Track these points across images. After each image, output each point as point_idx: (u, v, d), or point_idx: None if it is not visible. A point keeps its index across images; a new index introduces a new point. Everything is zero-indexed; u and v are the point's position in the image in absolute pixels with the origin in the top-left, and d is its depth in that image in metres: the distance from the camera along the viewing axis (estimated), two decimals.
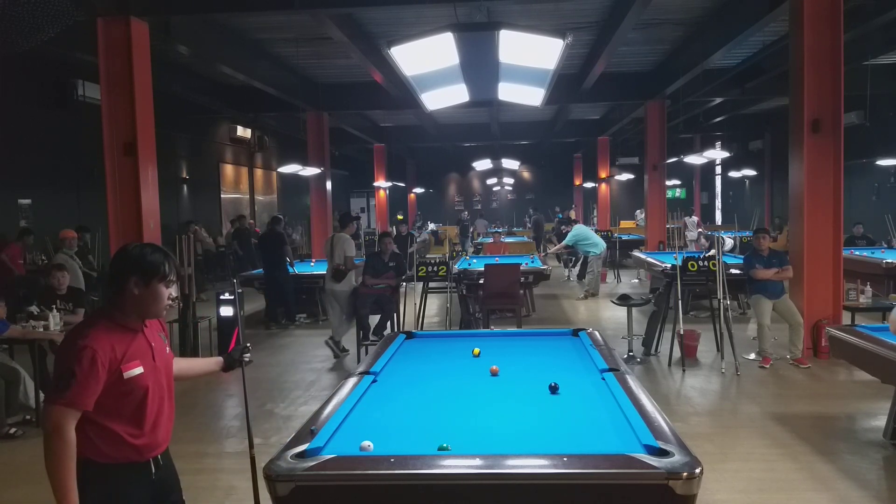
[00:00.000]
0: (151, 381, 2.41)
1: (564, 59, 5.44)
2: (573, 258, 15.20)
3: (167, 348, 2.57)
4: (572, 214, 13.47)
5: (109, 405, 2.32)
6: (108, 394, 2.30)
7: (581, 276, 14.23)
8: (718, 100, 15.66)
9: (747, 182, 23.32)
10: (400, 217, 17.16)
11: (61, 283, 6.62)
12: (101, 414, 2.31)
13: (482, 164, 22.17)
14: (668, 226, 14.81)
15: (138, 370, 2.36)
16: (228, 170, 17.90)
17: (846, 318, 7.44)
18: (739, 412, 5.80)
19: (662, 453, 2.42)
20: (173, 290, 2.47)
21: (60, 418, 2.22)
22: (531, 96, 7.19)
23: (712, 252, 8.56)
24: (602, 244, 12.51)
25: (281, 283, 9.91)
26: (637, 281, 14.34)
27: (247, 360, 2.87)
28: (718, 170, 26.08)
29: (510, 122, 20.19)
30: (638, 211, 23.88)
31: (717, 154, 18.50)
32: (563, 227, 16.55)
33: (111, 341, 2.32)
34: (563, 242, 12.99)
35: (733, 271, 8.19)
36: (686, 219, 17.53)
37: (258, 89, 12.05)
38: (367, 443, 2.63)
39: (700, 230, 17.29)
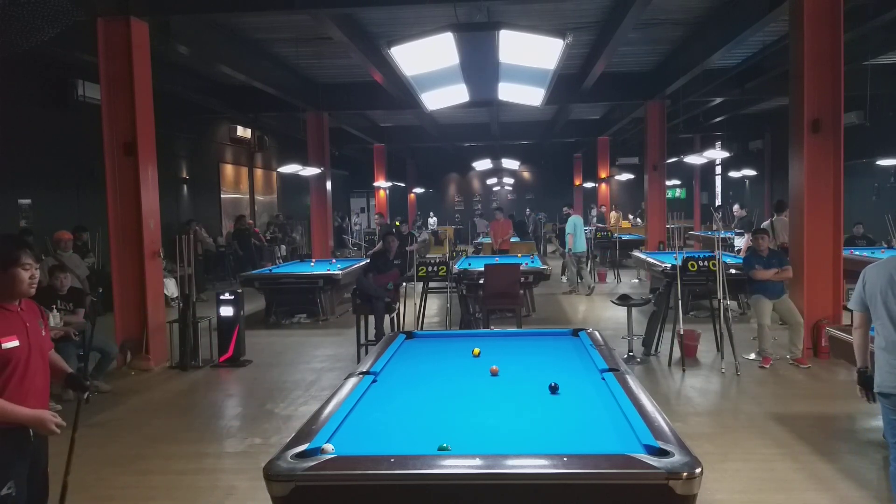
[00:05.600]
0: (24, 356, 2.76)
1: (564, 59, 5.43)
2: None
3: (43, 332, 2.94)
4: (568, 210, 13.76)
5: None
6: None
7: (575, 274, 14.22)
8: (718, 100, 15.65)
9: (747, 182, 23.31)
10: (398, 222, 17.09)
11: (63, 284, 6.64)
12: None
13: (482, 164, 22.16)
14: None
15: (14, 343, 2.72)
16: (228, 170, 17.89)
17: (846, 318, 7.43)
18: (739, 412, 5.80)
19: (662, 453, 2.42)
20: (36, 273, 2.85)
21: None
22: (531, 96, 7.18)
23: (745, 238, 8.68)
24: (580, 246, 12.74)
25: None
26: (637, 281, 14.33)
27: (84, 398, 3.23)
28: (718, 170, 26.06)
29: (510, 122, 20.18)
30: (603, 207, 22.65)
31: (717, 154, 18.52)
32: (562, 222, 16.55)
33: None
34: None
35: (733, 271, 8.20)
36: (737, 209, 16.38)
37: (258, 89, 12.03)
38: (328, 445, 2.60)
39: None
